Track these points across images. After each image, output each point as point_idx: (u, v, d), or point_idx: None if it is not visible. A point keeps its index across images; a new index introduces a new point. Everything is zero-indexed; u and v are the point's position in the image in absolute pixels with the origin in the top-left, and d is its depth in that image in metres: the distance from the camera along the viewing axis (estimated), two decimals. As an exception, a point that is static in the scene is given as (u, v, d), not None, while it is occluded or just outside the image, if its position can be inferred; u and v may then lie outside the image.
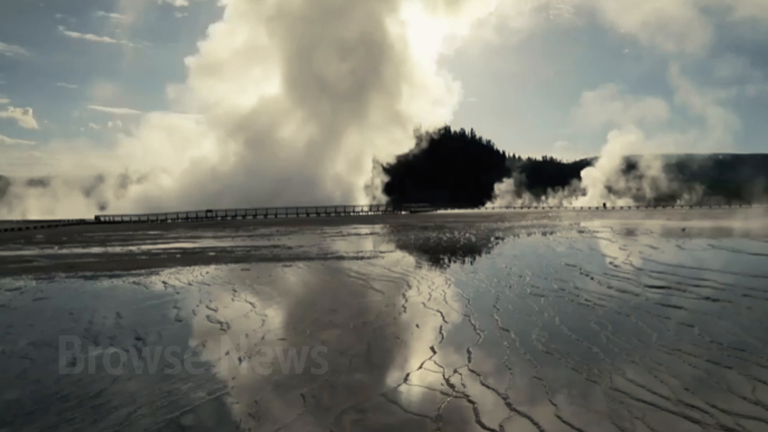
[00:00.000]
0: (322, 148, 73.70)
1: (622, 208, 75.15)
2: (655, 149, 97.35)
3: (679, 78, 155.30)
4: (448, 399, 4.56)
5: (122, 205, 69.60)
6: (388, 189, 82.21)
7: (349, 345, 6.25)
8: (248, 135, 72.75)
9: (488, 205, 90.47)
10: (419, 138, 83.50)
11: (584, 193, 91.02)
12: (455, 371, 5.21)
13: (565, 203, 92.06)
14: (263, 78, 76.97)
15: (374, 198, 78.78)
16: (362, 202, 74.99)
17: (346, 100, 74.57)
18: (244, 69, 78.00)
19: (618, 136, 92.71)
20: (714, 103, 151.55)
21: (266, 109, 74.18)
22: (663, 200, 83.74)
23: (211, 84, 79.12)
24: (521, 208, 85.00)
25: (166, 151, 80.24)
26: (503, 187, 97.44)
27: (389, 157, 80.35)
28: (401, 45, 78.41)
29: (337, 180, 74.65)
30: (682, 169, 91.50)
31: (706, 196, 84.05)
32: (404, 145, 79.34)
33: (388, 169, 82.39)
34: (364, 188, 79.28)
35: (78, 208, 68.90)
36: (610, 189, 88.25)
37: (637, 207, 74.92)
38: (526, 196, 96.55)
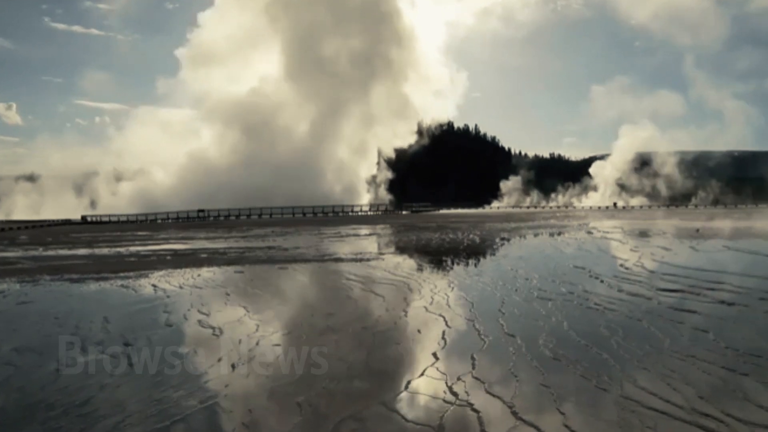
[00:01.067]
0: (323, 137, 73.55)
1: (633, 207, 75.13)
2: (669, 146, 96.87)
3: (694, 71, 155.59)
4: (452, 408, 4.57)
5: (112, 203, 69.28)
6: (389, 187, 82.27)
7: (347, 351, 6.26)
8: (246, 125, 72.18)
9: (494, 204, 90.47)
10: (421, 133, 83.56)
11: (596, 189, 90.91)
12: (459, 378, 5.22)
13: (574, 202, 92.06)
14: (260, 64, 76.13)
15: (377, 196, 78.80)
16: (365, 196, 75.09)
17: (349, 86, 74.54)
18: (239, 56, 77.31)
19: (631, 131, 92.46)
20: (731, 98, 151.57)
21: (264, 96, 73.60)
22: (677, 199, 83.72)
23: (205, 74, 78.54)
24: (528, 207, 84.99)
25: (157, 147, 79.62)
26: (509, 186, 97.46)
27: (391, 150, 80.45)
28: (407, 27, 78.47)
29: (338, 172, 74.56)
30: (697, 166, 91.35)
31: (723, 194, 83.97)
32: (407, 138, 79.46)
33: (390, 166, 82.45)
34: (366, 182, 79.17)
35: (65, 207, 68.78)
36: (622, 187, 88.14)
37: (650, 207, 74.90)
38: (533, 196, 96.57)
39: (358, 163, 77.37)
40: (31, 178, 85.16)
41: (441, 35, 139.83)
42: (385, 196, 79.99)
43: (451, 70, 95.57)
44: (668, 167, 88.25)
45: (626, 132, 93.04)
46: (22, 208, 73.86)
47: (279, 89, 74.45)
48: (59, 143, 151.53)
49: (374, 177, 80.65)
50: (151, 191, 69.27)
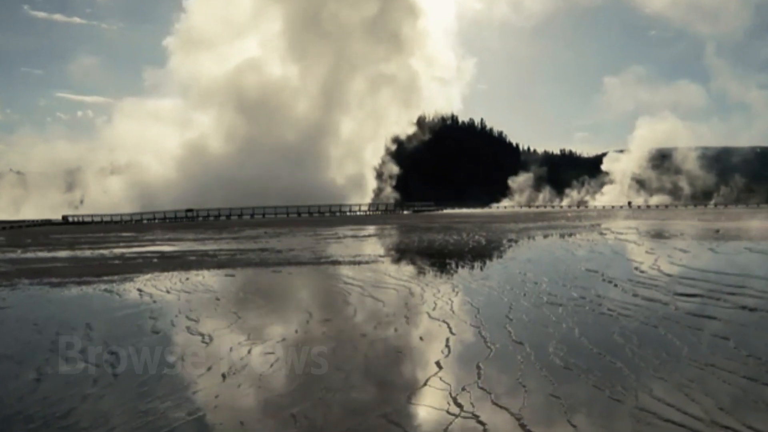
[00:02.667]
0: (327, 117, 73.45)
1: (649, 206, 75.10)
2: (689, 140, 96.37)
3: (715, 61, 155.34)
4: (456, 420, 4.57)
5: (100, 200, 69.05)
6: (395, 184, 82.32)
7: (345, 359, 6.26)
8: (243, 108, 71.74)
9: (501, 203, 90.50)
10: (423, 127, 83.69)
11: (612, 182, 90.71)
12: (463, 389, 5.22)
13: (587, 199, 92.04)
14: (257, 41, 75.76)
15: (380, 193, 78.82)
16: (371, 186, 75.15)
17: (354, 62, 74.48)
18: (233, 35, 76.81)
19: (648, 123, 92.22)
20: (756, 89, 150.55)
21: (263, 74, 73.29)
22: (698, 198, 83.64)
23: (195, 60, 77.91)
24: (537, 207, 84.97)
25: (146, 140, 78.76)
26: (516, 184, 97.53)
27: (398, 135, 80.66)
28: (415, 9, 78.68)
29: (344, 158, 74.59)
30: (719, 162, 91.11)
31: (746, 193, 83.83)
32: (412, 127, 79.70)
33: (392, 158, 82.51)
34: (373, 176, 79.14)
35: (49, 205, 68.79)
36: (640, 184, 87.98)
37: (666, 206, 74.86)
38: (542, 195, 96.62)
39: (364, 146, 77.18)
40: (10, 175, 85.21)
41: (448, 16, 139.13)
42: (391, 193, 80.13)
43: (457, 55, 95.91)
44: (688, 163, 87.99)
45: (644, 124, 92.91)
46: (1, 207, 73.74)
47: (278, 65, 73.93)
48: (40, 138, 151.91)
49: (380, 174, 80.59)
50: (142, 187, 68.91)
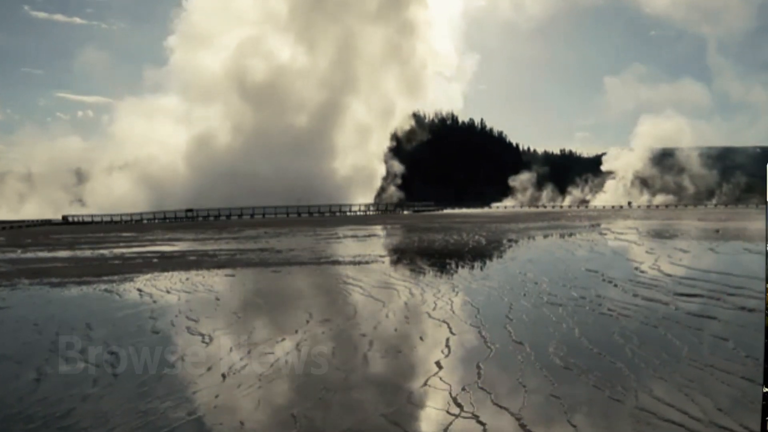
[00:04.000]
0: (331, 108, 73.59)
1: (650, 206, 75.11)
2: (691, 139, 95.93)
3: (716, 61, 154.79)
4: (456, 420, 4.58)
5: (101, 200, 68.91)
6: (400, 184, 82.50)
7: (344, 359, 6.28)
8: (246, 100, 71.77)
9: (501, 203, 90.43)
10: (423, 126, 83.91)
11: (613, 178, 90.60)
12: (463, 389, 5.23)
13: (589, 198, 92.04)
14: (255, 34, 75.86)
15: (384, 192, 78.96)
16: (377, 179, 75.52)
17: (361, 50, 74.77)
18: (232, 34, 76.93)
19: (650, 122, 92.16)
20: (759, 89, 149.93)
21: (265, 66, 73.38)
22: (700, 197, 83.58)
23: (196, 56, 77.96)
24: (537, 207, 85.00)
25: (149, 138, 78.56)
26: (516, 184, 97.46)
27: (403, 126, 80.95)
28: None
29: (347, 149, 74.78)
30: (721, 162, 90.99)
31: (747, 193, 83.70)
32: (412, 121, 79.99)
33: (395, 155, 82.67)
34: (381, 162, 79.43)
35: (49, 206, 68.75)
36: (643, 182, 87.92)
37: (666, 206, 74.87)
38: (542, 195, 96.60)
39: (369, 136, 77.29)
40: (11, 175, 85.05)
41: (452, 11, 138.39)
42: (394, 192, 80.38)
43: (458, 51, 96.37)
44: (690, 162, 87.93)
45: (646, 122, 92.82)
46: (3, 206, 73.65)
47: (281, 50, 73.99)
48: (41, 138, 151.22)
49: (387, 173, 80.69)
50: (147, 185, 68.81)
